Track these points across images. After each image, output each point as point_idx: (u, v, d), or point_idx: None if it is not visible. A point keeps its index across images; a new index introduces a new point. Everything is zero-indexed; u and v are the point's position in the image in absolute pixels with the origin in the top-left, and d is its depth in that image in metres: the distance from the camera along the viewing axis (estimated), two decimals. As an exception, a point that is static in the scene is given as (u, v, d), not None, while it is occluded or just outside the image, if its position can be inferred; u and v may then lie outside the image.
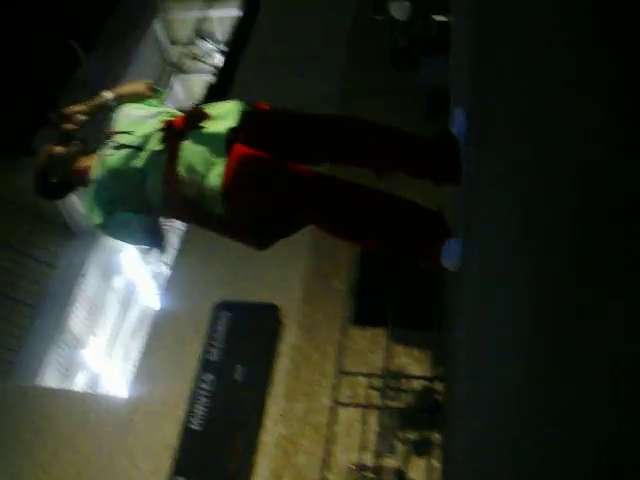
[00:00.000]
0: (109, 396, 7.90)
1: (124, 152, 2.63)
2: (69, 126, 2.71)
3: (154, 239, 2.65)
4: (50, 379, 9.80)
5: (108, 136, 2.77)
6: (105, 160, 2.68)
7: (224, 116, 2.64)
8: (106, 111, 2.87)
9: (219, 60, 10.56)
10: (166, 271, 9.44)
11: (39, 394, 7.26)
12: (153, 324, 7.02)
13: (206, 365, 6.10)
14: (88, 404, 6.73)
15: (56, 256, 10.63)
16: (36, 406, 6.66)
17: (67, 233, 10.83)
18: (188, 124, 2.63)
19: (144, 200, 2.64)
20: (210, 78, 10.04)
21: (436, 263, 2.38)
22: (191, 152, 2.54)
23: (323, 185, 2.50)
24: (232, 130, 2.56)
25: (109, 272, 11.89)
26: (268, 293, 6.49)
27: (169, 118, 2.72)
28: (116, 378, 10.87)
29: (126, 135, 2.69)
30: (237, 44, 10.05)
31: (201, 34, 11.45)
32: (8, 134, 6.84)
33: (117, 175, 2.63)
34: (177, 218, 2.74)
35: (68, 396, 7.17)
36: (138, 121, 2.74)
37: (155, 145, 2.60)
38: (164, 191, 2.57)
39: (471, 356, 2.20)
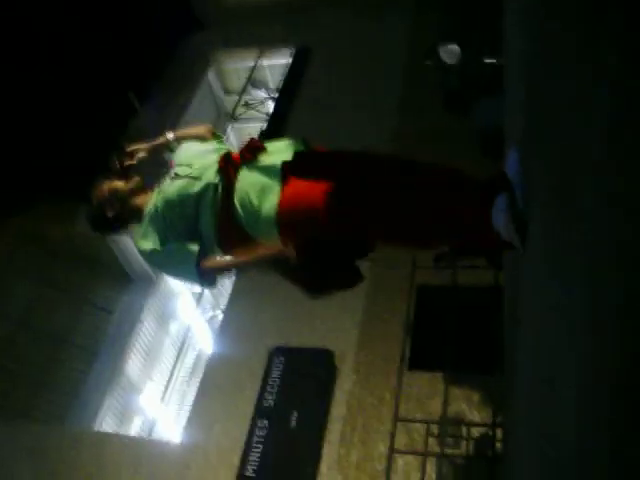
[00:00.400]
0: (164, 442, 7.91)
1: (182, 182, 2.69)
2: (129, 162, 2.78)
3: (205, 274, 2.65)
4: (106, 424, 9.88)
5: (168, 168, 2.83)
6: (163, 189, 2.73)
7: (280, 150, 2.68)
8: (167, 151, 2.95)
9: (272, 108, 10.75)
10: (220, 315, 9.50)
11: (94, 439, 7.31)
12: (207, 369, 7.04)
13: (261, 410, 6.07)
14: (142, 449, 6.75)
15: (114, 302, 10.82)
16: (91, 451, 6.71)
17: (124, 279, 11.03)
18: (245, 156, 2.68)
19: (197, 232, 2.67)
20: (263, 125, 10.23)
21: (491, 233, 2.22)
22: (246, 183, 2.58)
23: (374, 197, 2.46)
24: (287, 163, 2.58)
25: (165, 317, 12.02)
26: (323, 338, 6.46)
27: (227, 152, 2.78)
28: (171, 424, 10.89)
29: (185, 167, 2.75)
30: (288, 91, 10.23)
31: (254, 83, 11.69)
32: (67, 181, 7.05)
33: (173, 204, 2.67)
34: (229, 252, 2.73)
35: (123, 441, 7.20)
36: (198, 155, 2.81)
37: (212, 176, 2.65)
38: (218, 222, 2.60)
39: (531, 403, 2.13)
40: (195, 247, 2.64)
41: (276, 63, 11.70)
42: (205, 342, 11.57)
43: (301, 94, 9.80)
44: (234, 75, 12.30)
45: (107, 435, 8.27)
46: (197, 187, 2.65)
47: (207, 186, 2.64)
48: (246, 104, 11.67)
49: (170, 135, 2.93)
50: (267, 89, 11.95)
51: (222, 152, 2.79)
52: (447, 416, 5.31)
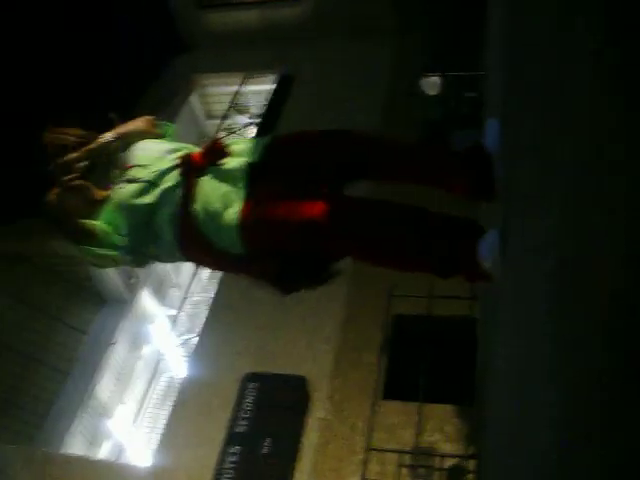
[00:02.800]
0: (133, 466, 7.78)
1: (136, 186, 2.59)
2: (69, 176, 2.64)
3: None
4: (75, 446, 9.71)
5: (124, 170, 2.69)
6: (115, 193, 2.62)
7: (244, 151, 2.57)
8: (110, 152, 2.79)
9: (254, 133, 10.79)
10: (195, 339, 9.43)
11: (62, 461, 7.18)
12: (180, 393, 6.96)
13: (233, 436, 6.00)
14: (111, 473, 6.64)
15: (88, 323, 10.71)
16: (59, 473, 6.59)
17: (99, 300, 10.93)
18: (207, 160, 2.55)
19: (153, 235, 2.56)
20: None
21: (475, 264, 2.22)
22: (209, 189, 2.45)
23: (347, 212, 2.41)
24: (252, 165, 2.53)
25: (139, 341, 11.90)
26: (297, 365, 6.43)
27: (188, 153, 2.64)
28: (142, 448, 10.73)
29: (140, 169, 2.61)
30: (270, 117, 10.29)
31: (236, 108, 11.74)
32: (41, 201, 7.01)
33: (125, 209, 2.57)
34: (191, 258, 2.63)
35: (92, 464, 7.09)
36: (155, 155, 2.67)
37: (171, 181, 2.55)
38: (177, 228, 2.50)
39: (503, 433, 2.13)
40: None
41: (259, 89, 11.77)
42: (178, 366, 11.45)
43: (283, 120, 9.85)
44: (217, 99, 12.35)
45: (76, 458, 8.13)
46: (153, 194, 2.52)
47: (165, 191, 2.51)
48: (228, 129, 11.70)
49: (107, 135, 2.80)
50: (249, 114, 12.00)
51: (181, 152, 2.64)
52: (420, 446, 5.30)
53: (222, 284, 7.83)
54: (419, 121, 7.57)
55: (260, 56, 11.37)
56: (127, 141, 2.78)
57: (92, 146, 2.74)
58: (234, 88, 11.76)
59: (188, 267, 12.96)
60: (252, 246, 2.40)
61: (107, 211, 2.58)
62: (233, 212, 2.38)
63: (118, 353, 10.95)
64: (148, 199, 2.51)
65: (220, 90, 12.20)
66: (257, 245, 2.41)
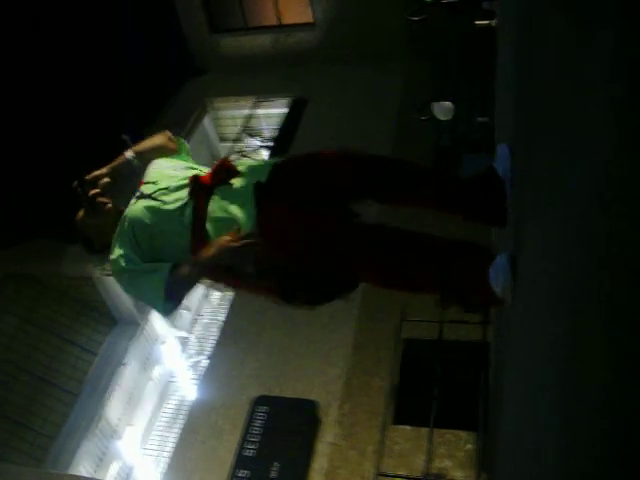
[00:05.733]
0: (142, 489, 7.76)
1: (146, 202, 2.63)
2: (93, 191, 2.68)
3: (172, 298, 2.52)
4: (83, 468, 9.68)
5: (138, 186, 2.74)
6: (129, 209, 2.66)
7: (253, 171, 2.61)
8: (130, 170, 2.84)
9: (266, 156, 10.84)
10: (205, 362, 9.41)
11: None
12: (189, 416, 6.95)
13: (241, 460, 5.97)
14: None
15: (97, 343, 10.72)
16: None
17: (110, 322, 10.95)
18: (215, 179, 2.59)
19: (158, 255, 2.58)
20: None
21: (486, 290, 2.20)
22: (218, 208, 2.49)
23: (353, 236, 2.42)
24: (260, 185, 2.52)
25: (149, 362, 11.89)
26: (307, 389, 6.41)
27: (197, 173, 2.68)
28: (150, 471, 10.67)
29: (151, 186, 2.67)
30: (282, 140, 10.35)
31: (249, 131, 11.83)
32: (55, 223, 7.07)
33: (137, 224, 2.59)
34: (204, 276, 2.64)
35: (101, 488, 7.07)
36: (165, 173, 2.72)
37: (181, 199, 2.56)
38: (187, 246, 2.52)
39: (514, 461, 2.12)
40: (165, 267, 2.51)
41: (272, 112, 11.86)
42: (188, 388, 11.43)
43: (295, 144, 9.91)
44: (230, 122, 12.45)
45: (85, 479, 8.11)
46: (163, 209, 2.57)
47: (174, 210, 2.55)
48: (240, 151, 11.78)
49: (129, 153, 2.84)
50: (262, 138, 12.08)
51: (191, 172, 2.69)
52: (431, 473, 5.24)
53: (233, 307, 7.83)
54: (430, 146, 7.59)
55: (273, 80, 11.48)
56: (147, 157, 2.85)
57: (114, 164, 2.80)
58: (247, 111, 11.86)
59: (199, 289, 12.98)
60: (261, 264, 2.42)
61: (121, 227, 2.62)
62: (243, 232, 2.41)
63: (128, 374, 10.94)
64: (160, 211, 2.55)
65: (233, 113, 12.31)
66: (265, 263, 2.43)
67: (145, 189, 2.67)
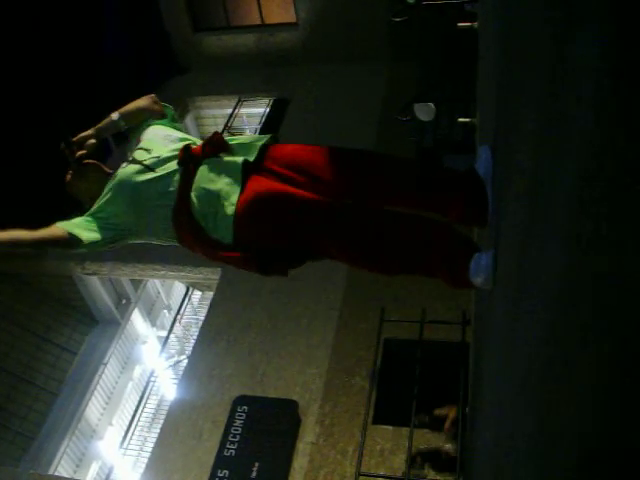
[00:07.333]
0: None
1: (136, 167, 2.66)
2: (80, 152, 2.74)
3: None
4: (62, 468, 9.62)
5: (132, 149, 2.79)
6: (119, 171, 2.71)
7: (243, 147, 2.66)
8: (116, 131, 2.89)
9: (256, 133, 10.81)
10: (185, 361, 9.38)
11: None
12: (169, 416, 6.91)
13: (222, 460, 5.95)
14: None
15: (78, 343, 10.65)
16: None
17: (91, 321, 10.88)
18: (206, 151, 2.64)
19: (141, 216, 2.61)
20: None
21: (463, 279, 2.25)
22: (206, 178, 2.53)
23: (336, 214, 2.44)
24: (249, 161, 2.56)
25: (130, 361, 11.84)
26: (288, 388, 6.40)
27: (189, 144, 2.73)
28: (129, 471, 10.62)
29: (144, 152, 2.71)
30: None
31: (231, 130, 11.80)
32: (36, 217, 7.03)
33: (124, 186, 2.63)
34: (180, 242, 2.67)
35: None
36: (158, 142, 2.77)
37: (169, 168, 2.60)
38: (174, 215, 2.55)
39: (489, 462, 2.13)
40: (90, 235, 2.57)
41: (254, 112, 11.85)
42: (168, 388, 11.38)
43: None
44: (212, 122, 12.41)
45: (64, 479, 8.05)
46: (152, 176, 2.61)
47: (162, 176, 2.60)
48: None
49: (114, 114, 2.88)
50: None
51: (183, 142, 2.74)
52: (411, 473, 5.25)
53: (213, 307, 7.81)
54: (412, 147, 7.62)
55: (255, 79, 11.46)
56: (132, 118, 2.89)
57: (100, 125, 2.83)
58: (229, 110, 11.83)
59: (180, 289, 12.93)
60: (242, 237, 2.45)
61: (110, 187, 2.65)
62: (229, 204, 2.45)
63: (108, 374, 10.87)
64: (145, 179, 2.58)
65: (215, 112, 12.28)
66: (246, 236, 2.46)
67: (137, 155, 2.72)
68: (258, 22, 11.67)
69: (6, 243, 2.50)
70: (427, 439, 5.55)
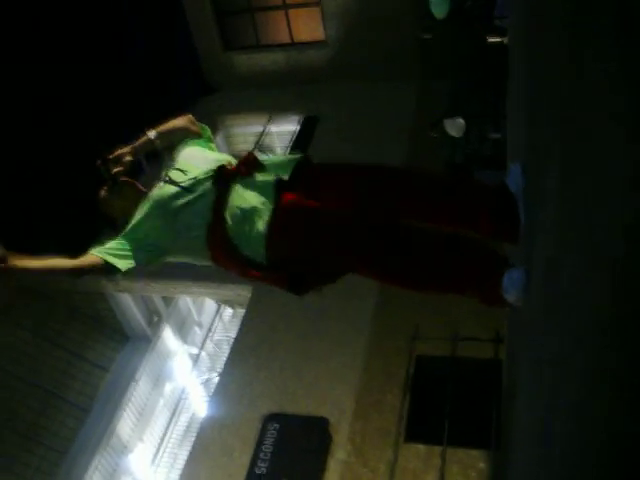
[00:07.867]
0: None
1: (173, 189, 2.68)
2: (117, 168, 2.76)
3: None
4: (94, 484, 9.67)
5: (167, 170, 2.80)
6: (154, 191, 2.72)
7: (276, 166, 2.69)
8: (151, 149, 2.89)
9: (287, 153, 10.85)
10: (216, 379, 9.40)
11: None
12: (200, 433, 6.92)
13: (252, 478, 5.94)
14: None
15: (110, 360, 10.73)
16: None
17: (122, 338, 10.97)
18: (240, 170, 2.67)
19: (177, 236, 2.63)
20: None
21: (496, 296, 2.24)
22: (240, 197, 2.56)
23: (367, 231, 2.45)
24: (282, 180, 2.58)
25: (161, 378, 11.89)
26: (319, 406, 6.38)
27: (224, 164, 2.74)
28: (161, 487, 10.65)
29: (180, 173, 2.73)
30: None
31: (261, 148, 11.87)
32: (69, 236, 7.13)
33: (160, 207, 2.65)
34: (214, 261, 2.69)
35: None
36: (194, 162, 2.79)
37: (205, 189, 2.62)
38: (209, 235, 2.57)
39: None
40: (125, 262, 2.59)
41: (284, 130, 11.91)
42: (199, 405, 11.41)
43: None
44: (242, 139, 12.50)
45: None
46: (187, 197, 2.63)
47: (197, 197, 2.62)
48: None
49: (152, 133, 2.90)
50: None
51: (219, 163, 2.76)
52: None
53: (244, 324, 7.82)
54: (442, 162, 7.59)
55: (285, 97, 11.54)
56: (169, 138, 2.92)
57: (136, 143, 2.86)
58: (259, 129, 11.91)
59: (211, 306, 12.98)
60: (274, 253, 2.47)
61: (145, 206, 2.67)
62: (262, 223, 2.47)
63: (140, 390, 10.94)
64: (181, 202, 2.60)
65: (245, 130, 12.36)
66: (278, 253, 2.48)
67: (174, 176, 2.73)
68: (288, 41, 11.76)
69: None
70: (459, 457, 5.48)
